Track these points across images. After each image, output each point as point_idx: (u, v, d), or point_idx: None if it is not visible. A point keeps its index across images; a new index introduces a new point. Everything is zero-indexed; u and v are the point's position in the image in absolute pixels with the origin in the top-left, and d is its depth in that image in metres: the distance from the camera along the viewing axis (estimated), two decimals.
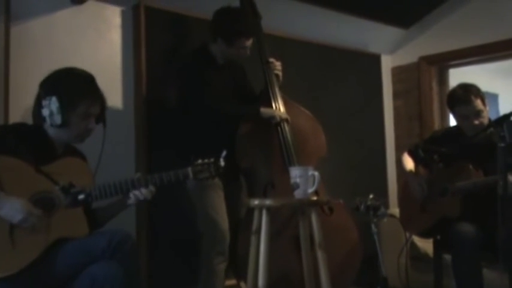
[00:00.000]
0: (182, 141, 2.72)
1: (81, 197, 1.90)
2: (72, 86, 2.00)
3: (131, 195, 1.99)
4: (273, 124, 2.67)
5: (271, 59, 2.81)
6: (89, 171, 2.03)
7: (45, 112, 1.96)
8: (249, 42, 2.68)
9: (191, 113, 2.65)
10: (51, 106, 1.95)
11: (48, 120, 1.97)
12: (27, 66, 2.54)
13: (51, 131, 2.02)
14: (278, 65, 2.83)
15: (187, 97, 2.63)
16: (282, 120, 2.68)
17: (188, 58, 2.71)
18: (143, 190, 1.99)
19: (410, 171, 2.89)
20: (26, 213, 1.77)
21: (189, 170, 2.05)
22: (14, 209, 1.77)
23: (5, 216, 1.77)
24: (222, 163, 2.08)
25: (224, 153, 2.10)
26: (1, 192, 1.78)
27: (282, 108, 2.73)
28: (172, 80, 2.73)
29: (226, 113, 2.63)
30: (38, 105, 2.00)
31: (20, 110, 2.39)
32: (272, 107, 2.71)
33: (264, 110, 2.65)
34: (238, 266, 2.58)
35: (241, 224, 2.63)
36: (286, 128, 2.69)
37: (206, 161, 2.07)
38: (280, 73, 2.83)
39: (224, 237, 2.58)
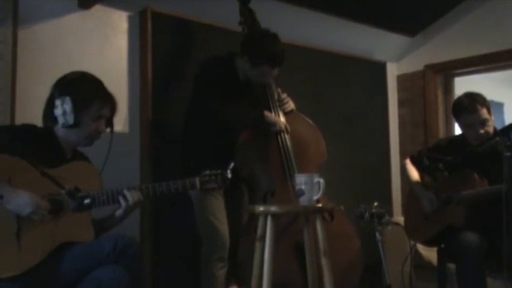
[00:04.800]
0: (185, 148, 2.73)
1: (87, 201, 1.91)
2: (86, 88, 2.03)
3: (121, 200, 1.97)
4: (272, 132, 2.67)
5: (283, 96, 2.79)
6: (98, 174, 2.03)
7: (58, 112, 1.98)
8: (272, 72, 2.65)
9: (197, 118, 2.66)
10: (65, 106, 1.97)
11: (60, 119, 1.99)
12: (34, 70, 2.56)
13: (61, 133, 2.03)
14: (289, 100, 2.80)
15: (197, 102, 2.63)
16: (283, 130, 2.68)
17: (209, 64, 2.68)
18: (133, 192, 1.97)
19: (417, 183, 2.88)
20: (34, 206, 1.79)
21: (197, 180, 2.07)
22: (22, 202, 1.78)
23: (14, 209, 1.78)
24: (229, 175, 2.10)
25: (232, 164, 2.11)
26: (9, 187, 1.79)
27: (282, 118, 2.73)
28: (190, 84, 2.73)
29: (229, 120, 2.62)
30: (50, 106, 2.02)
31: (26, 113, 2.40)
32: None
33: (268, 115, 2.65)
34: (239, 271, 2.58)
35: (243, 229, 2.63)
36: (287, 137, 2.69)
37: (213, 172, 2.09)
38: (293, 107, 2.81)
39: (224, 243, 2.58)
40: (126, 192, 1.98)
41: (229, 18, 2.87)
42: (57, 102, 1.99)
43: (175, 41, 3.02)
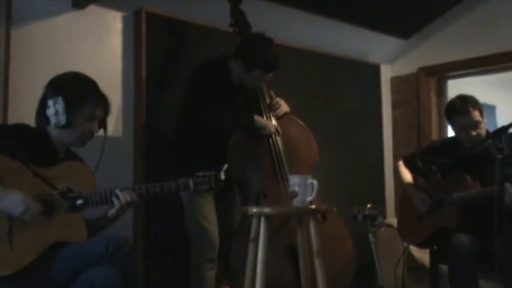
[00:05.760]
0: (178, 149, 2.72)
1: (79, 202, 1.90)
2: (79, 88, 2.02)
3: (114, 200, 1.98)
4: (263, 135, 2.67)
5: (276, 100, 2.79)
6: (91, 174, 2.03)
7: (50, 112, 1.98)
8: (266, 77, 2.66)
9: (190, 119, 2.66)
10: (57, 106, 1.96)
11: (52, 119, 1.98)
12: (27, 70, 2.55)
13: (54, 133, 2.03)
14: (282, 103, 2.79)
15: (189, 103, 2.64)
16: (273, 133, 2.68)
17: (203, 66, 2.68)
18: (125, 192, 1.98)
19: (410, 184, 2.90)
20: (26, 206, 1.78)
21: (190, 181, 2.06)
22: (14, 202, 1.77)
23: (5, 209, 1.77)
24: (223, 176, 2.09)
25: (225, 166, 2.11)
26: (1, 186, 1.78)
27: (274, 121, 2.74)
28: (184, 84, 2.72)
29: (221, 122, 2.62)
30: (42, 106, 2.02)
31: (19, 113, 2.39)
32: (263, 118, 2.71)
33: (258, 119, 2.65)
34: (232, 272, 2.58)
35: (236, 231, 2.63)
36: (278, 139, 2.70)
37: (207, 173, 2.09)
38: (287, 109, 2.81)
39: (213, 244, 2.59)
40: (118, 192, 1.97)
41: (224, 19, 2.87)
42: (50, 102, 1.98)
43: (169, 42, 3.02)
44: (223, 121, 2.62)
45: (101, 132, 2.12)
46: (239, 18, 2.82)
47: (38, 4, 2.62)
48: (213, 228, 2.60)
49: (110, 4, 2.86)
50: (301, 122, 2.86)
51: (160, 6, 2.96)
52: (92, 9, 2.79)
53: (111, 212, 2.01)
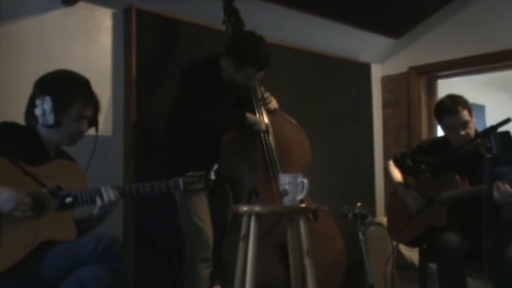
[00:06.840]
0: (169, 149, 2.72)
1: (68, 200, 1.89)
2: (67, 87, 1.99)
3: (97, 199, 1.93)
4: (256, 132, 2.67)
5: (267, 94, 2.79)
6: (81, 173, 2.01)
7: (38, 111, 1.95)
8: (257, 75, 2.65)
9: (180, 119, 2.65)
10: (44, 105, 1.94)
11: (40, 119, 1.96)
12: (16, 67, 2.53)
13: (43, 132, 2.01)
14: (272, 98, 2.80)
15: (180, 102, 2.63)
16: (264, 129, 2.68)
17: (194, 65, 2.68)
18: (110, 192, 1.93)
19: (400, 184, 2.91)
20: (16, 202, 1.76)
21: (180, 181, 2.05)
22: (4, 198, 1.75)
23: None
24: (213, 176, 2.09)
25: (215, 166, 2.10)
26: None
27: (266, 118, 2.74)
28: (174, 82, 2.72)
29: (211, 121, 2.62)
30: (31, 105, 1.99)
31: (7, 111, 2.36)
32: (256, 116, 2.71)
33: (249, 116, 2.65)
34: (223, 271, 2.58)
35: (227, 229, 2.64)
36: (270, 137, 2.70)
37: (197, 173, 2.08)
38: (276, 106, 2.82)
39: (207, 244, 2.59)
40: (102, 189, 1.94)
41: (214, 17, 2.87)
42: (37, 101, 1.96)
43: (160, 40, 3.01)
44: (214, 119, 2.62)
45: (92, 131, 2.10)
46: (232, 15, 2.82)
47: (27, 0, 2.60)
48: (207, 227, 2.60)
49: (100, 1, 2.84)
50: (293, 121, 2.87)
51: (151, 4, 2.94)
52: (82, 6, 2.77)
53: (94, 211, 1.98)
